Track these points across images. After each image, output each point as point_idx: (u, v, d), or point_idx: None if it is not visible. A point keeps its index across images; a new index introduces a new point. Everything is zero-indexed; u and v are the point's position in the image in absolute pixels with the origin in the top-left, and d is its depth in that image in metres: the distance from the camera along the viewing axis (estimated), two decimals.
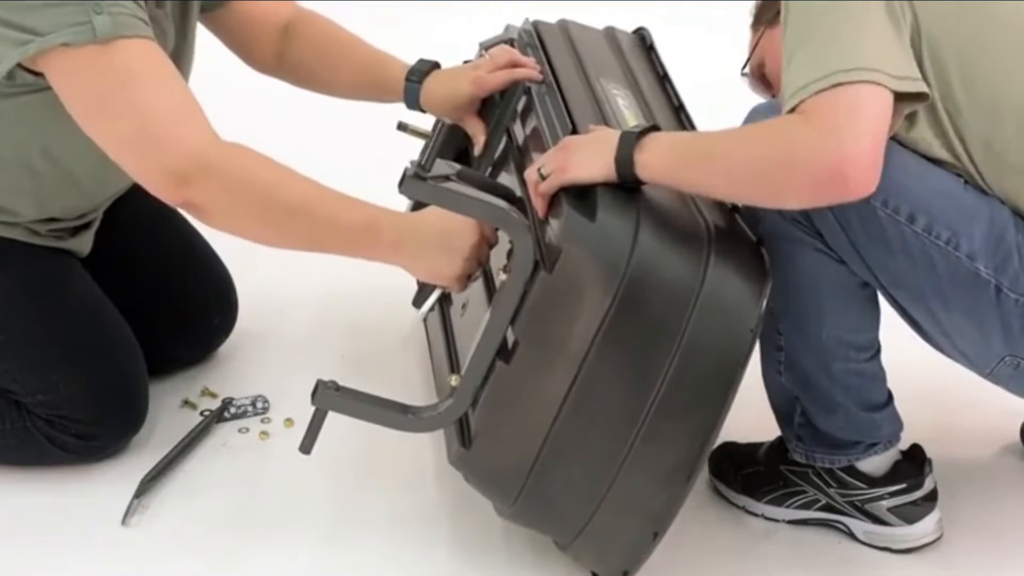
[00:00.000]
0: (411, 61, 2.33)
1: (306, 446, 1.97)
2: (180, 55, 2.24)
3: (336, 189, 2.02)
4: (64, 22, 1.93)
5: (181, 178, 1.97)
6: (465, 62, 2.36)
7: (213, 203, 1.99)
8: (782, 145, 1.73)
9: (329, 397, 1.94)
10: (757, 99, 2.03)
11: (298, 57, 2.39)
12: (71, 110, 2.01)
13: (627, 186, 1.87)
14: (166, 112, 1.98)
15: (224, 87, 3.05)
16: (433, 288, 2.36)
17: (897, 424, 2.14)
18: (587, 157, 1.89)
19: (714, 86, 2.88)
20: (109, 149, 2.02)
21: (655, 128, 1.89)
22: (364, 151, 3.02)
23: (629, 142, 1.86)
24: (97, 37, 1.93)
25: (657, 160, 1.84)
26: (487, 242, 2.03)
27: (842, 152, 1.69)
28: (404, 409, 1.98)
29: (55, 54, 1.96)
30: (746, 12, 2.06)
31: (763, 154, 1.75)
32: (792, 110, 1.75)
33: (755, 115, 2.00)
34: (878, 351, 2.08)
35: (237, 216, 2.01)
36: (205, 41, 2.37)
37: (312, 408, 1.96)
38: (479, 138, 2.26)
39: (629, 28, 2.47)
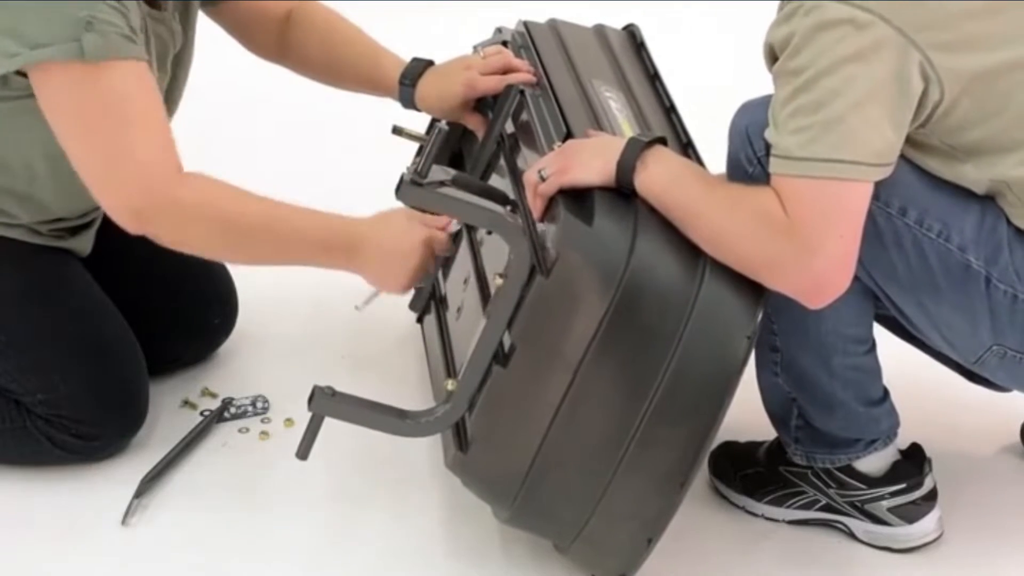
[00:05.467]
0: (407, 58, 2.33)
1: (303, 451, 1.97)
2: (183, 52, 2.24)
3: (289, 203, 2.08)
4: (54, 35, 1.93)
5: (137, 213, 2.03)
6: None
7: (169, 235, 2.07)
8: (766, 252, 1.83)
9: (325, 403, 1.94)
10: (747, 94, 2.03)
11: (299, 47, 2.38)
12: (50, 123, 2.02)
13: (624, 191, 1.88)
14: (131, 145, 2.01)
15: (224, 82, 3.06)
16: (428, 291, 2.35)
17: (895, 418, 2.14)
18: (588, 160, 1.90)
19: (710, 86, 2.88)
20: (77, 170, 2.05)
21: (662, 141, 1.92)
22: (363, 147, 3.01)
23: (635, 149, 1.87)
24: (84, 57, 1.93)
25: (652, 186, 1.87)
26: (435, 256, 2.09)
27: (818, 273, 1.83)
28: (401, 414, 1.98)
29: (42, 67, 1.96)
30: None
31: (749, 249, 1.84)
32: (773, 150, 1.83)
33: (746, 111, 2.00)
34: (874, 345, 2.08)
35: (195, 244, 2.10)
36: (206, 34, 2.37)
37: None
38: (480, 132, 2.26)
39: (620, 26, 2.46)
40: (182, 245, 2.09)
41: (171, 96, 2.26)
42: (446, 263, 2.30)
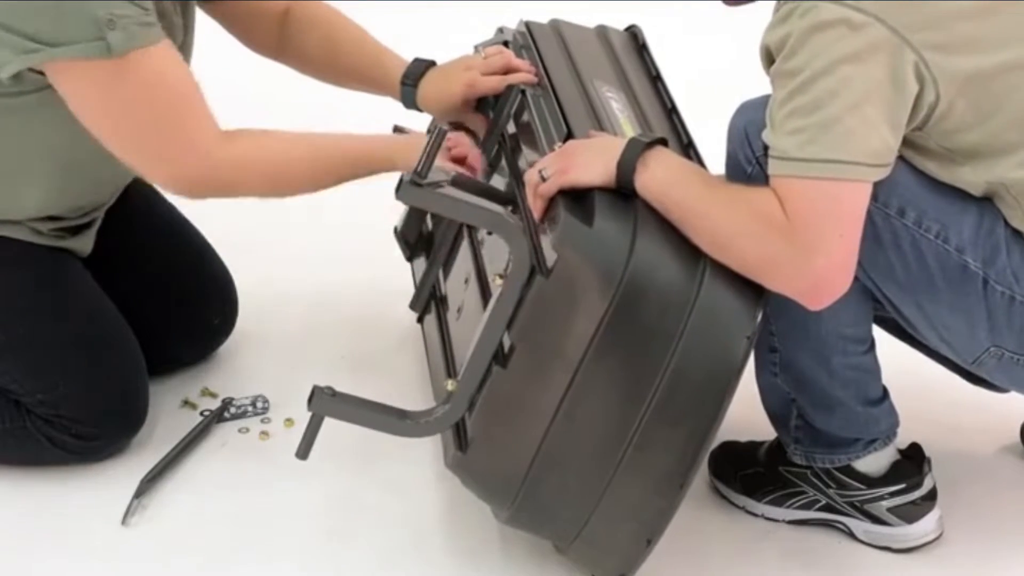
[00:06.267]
0: (408, 58, 2.33)
1: (302, 452, 1.97)
2: (184, 47, 2.24)
3: (326, 133, 2.21)
4: (75, 34, 1.94)
5: (194, 182, 2.13)
6: None
7: (223, 192, 2.17)
8: (766, 253, 1.83)
9: (325, 403, 1.95)
10: (747, 95, 2.03)
11: (299, 45, 2.38)
12: (80, 117, 2.04)
13: (625, 192, 1.88)
14: (175, 125, 2.07)
15: (223, 80, 3.06)
16: (428, 290, 2.36)
17: (894, 418, 2.14)
18: (588, 160, 1.90)
19: (709, 86, 2.87)
20: (122, 157, 2.09)
21: (663, 142, 1.92)
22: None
23: (635, 150, 1.87)
24: (112, 54, 1.95)
25: (652, 187, 1.87)
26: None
27: (818, 273, 1.82)
28: (401, 414, 1.99)
29: (64, 63, 1.97)
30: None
31: (748, 250, 1.84)
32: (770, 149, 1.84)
33: (745, 111, 2.00)
34: (873, 344, 2.08)
35: (247, 192, 2.18)
36: (204, 28, 2.36)
37: None
38: (481, 132, 2.26)
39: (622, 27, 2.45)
40: (246, 193, 2.18)
41: None
42: (446, 263, 2.30)
